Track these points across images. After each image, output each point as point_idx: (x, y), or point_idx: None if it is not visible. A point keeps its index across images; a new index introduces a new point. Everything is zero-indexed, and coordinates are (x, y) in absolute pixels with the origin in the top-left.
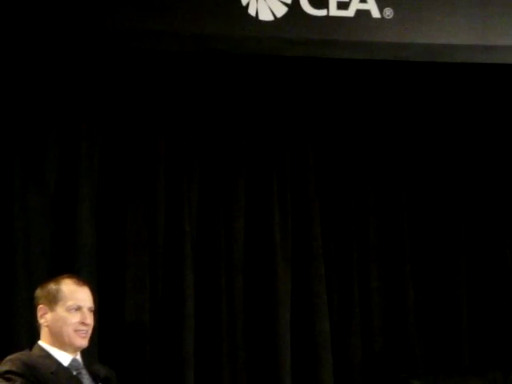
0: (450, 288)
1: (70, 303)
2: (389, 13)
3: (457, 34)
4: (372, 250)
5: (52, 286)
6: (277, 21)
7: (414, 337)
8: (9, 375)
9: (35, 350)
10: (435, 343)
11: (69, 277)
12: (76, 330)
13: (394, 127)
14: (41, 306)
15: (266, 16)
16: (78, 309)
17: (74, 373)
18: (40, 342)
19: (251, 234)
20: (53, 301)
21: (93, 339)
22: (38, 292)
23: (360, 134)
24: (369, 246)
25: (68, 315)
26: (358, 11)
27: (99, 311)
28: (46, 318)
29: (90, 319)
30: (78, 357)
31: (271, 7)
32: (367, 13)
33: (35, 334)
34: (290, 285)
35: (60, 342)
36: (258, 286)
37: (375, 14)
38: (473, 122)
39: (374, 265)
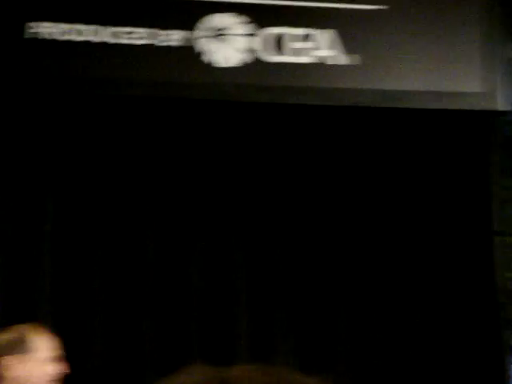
0: None
1: (43, 354)
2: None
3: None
4: None
5: (16, 335)
6: (234, 68)
7: None
8: None
9: None
10: None
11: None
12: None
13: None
14: (4, 357)
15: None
16: (51, 359)
17: None
18: None
19: None
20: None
21: None
22: None
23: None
24: None
25: (42, 366)
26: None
27: None
28: (12, 369)
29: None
30: None
31: (225, 54)
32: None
33: None
34: None
35: None
36: None
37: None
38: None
39: None
